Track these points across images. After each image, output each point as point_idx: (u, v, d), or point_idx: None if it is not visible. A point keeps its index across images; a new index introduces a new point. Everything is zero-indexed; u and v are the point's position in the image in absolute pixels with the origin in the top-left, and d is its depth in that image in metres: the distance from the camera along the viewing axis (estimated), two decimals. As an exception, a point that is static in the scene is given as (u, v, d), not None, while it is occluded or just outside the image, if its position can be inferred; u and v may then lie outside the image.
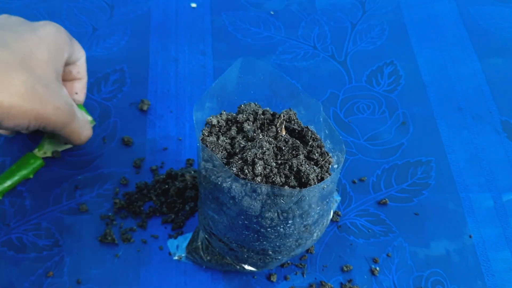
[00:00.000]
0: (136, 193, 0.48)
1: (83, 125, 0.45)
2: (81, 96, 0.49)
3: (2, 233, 0.46)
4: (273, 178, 0.32)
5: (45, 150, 0.49)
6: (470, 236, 0.46)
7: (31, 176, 0.48)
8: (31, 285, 0.43)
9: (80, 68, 0.48)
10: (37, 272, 0.43)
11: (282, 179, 0.32)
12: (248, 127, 0.35)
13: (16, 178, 0.47)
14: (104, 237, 0.45)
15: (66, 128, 0.43)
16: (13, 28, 0.40)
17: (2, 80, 0.36)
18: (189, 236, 0.45)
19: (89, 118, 0.49)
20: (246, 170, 0.31)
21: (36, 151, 0.49)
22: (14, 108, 0.37)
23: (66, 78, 0.47)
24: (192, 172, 0.49)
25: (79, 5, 0.62)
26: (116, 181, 0.49)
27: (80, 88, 0.49)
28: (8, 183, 0.47)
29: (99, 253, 0.45)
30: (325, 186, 0.32)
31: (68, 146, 0.50)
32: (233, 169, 0.32)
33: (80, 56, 0.47)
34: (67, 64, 0.46)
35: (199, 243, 0.42)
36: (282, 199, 0.31)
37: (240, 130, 0.35)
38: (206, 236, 0.40)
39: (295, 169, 0.32)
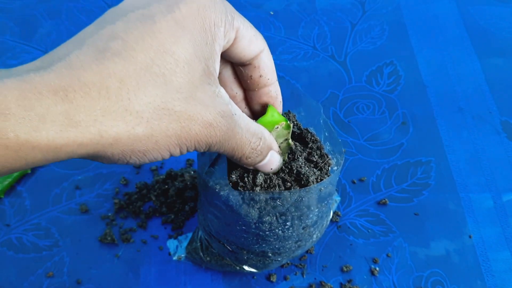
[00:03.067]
0: (136, 193, 0.48)
1: (248, 140, 0.29)
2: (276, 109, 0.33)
3: (2, 233, 0.46)
4: (272, 188, 0.32)
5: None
6: (470, 236, 0.46)
7: (29, 171, 0.48)
8: (31, 285, 0.43)
9: (262, 68, 0.31)
10: (37, 272, 0.43)
11: (279, 182, 0.32)
12: None
13: (15, 174, 0.48)
14: (104, 237, 0.45)
15: (225, 147, 0.29)
16: (140, 12, 0.26)
17: (113, 110, 0.24)
18: (189, 236, 0.45)
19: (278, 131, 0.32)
20: (246, 179, 0.31)
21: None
22: (139, 142, 0.25)
23: (244, 85, 0.33)
24: (192, 172, 0.49)
25: (79, 5, 0.62)
26: (116, 181, 0.49)
27: (269, 99, 0.33)
28: (8, 181, 0.47)
29: (99, 253, 0.45)
30: (323, 188, 0.32)
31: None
32: (233, 176, 0.31)
33: (257, 47, 0.30)
34: (235, 62, 0.31)
35: (199, 243, 0.42)
36: (279, 202, 0.31)
37: None
38: (206, 236, 0.40)
39: (295, 171, 0.32)
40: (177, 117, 0.26)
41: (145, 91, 0.25)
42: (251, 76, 0.31)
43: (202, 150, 0.28)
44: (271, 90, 0.32)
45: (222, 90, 0.28)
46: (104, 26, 0.25)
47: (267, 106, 0.31)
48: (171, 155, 0.28)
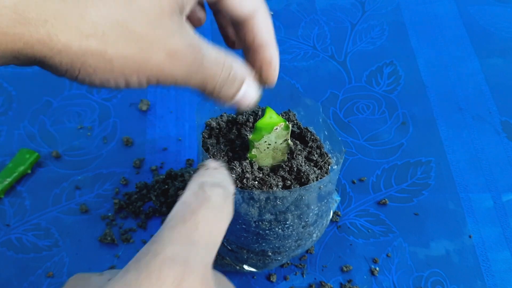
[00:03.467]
0: (136, 193, 0.48)
1: (219, 70, 0.27)
2: (268, 78, 0.31)
3: (2, 233, 0.46)
4: (272, 187, 0.32)
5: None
6: (470, 236, 0.46)
7: (29, 171, 0.48)
8: (31, 285, 0.43)
9: (256, 31, 0.29)
10: (37, 272, 0.43)
11: (279, 180, 0.32)
12: (246, 132, 0.34)
13: (15, 174, 0.48)
14: (104, 237, 0.45)
15: (192, 80, 0.27)
16: None
17: (67, 14, 0.22)
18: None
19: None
20: (244, 180, 0.31)
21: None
22: (91, 55, 0.23)
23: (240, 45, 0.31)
24: (192, 172, 0.49)
25: None
26: (116, 181, 0.49)
27: (262, 64, 0.30)
28: (7, 180, 0.47)
29: (99, 253, 0.45)
30: (322, 186, 0.32)
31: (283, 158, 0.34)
32: (233, 175, 0.32)
33: (250, 5, 0.29)
34: (228, 18, 0.29)
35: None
36: (279, 201, 0.31)
37: (239, 135, 0.35)
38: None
39: (295, 169, 0.32)
40: (137, 38, 0.24)
41: (105, 4, 0.23)
42: (244, 38, 0.29)
43: (167, 84, 0.26)
44: (266, 55, 0.30)
45: (189, 26, 0.26)
46: None
47: (265, 109, 0.31)
48: (128, 85, 0.25)
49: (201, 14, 0.31)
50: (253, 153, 0.32)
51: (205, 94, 0.28)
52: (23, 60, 0.23)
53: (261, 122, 0.30)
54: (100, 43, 0.23)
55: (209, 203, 0.25)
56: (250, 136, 0.31)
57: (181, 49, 0.25)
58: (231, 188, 0.26)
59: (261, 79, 0.30)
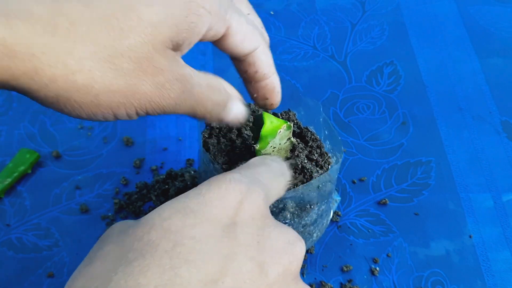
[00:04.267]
0: (136, 193, 0.48)
1: (209, 96, 0.28)
2: (273, 104, 0.33)
3: (2, 233, 0.46)
4: None
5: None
6: (470, 236, 0.46)
7: (29, 171, 0.48)
8: (31, 285, 0.43)
9: (258, 65, 0.31)
10: (37, 272, 0.43)
11: None
12: (246, 132, 0.35)
13: (15, 174, 0.48)
14: (104, 237, 0.45)
15: (181, 109, 0.28)
16: None
17: (55, 49, 0.22)
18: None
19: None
20: None
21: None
22: (77, 91, 0.23)
23: (241, 77, 0.33)
24: (192, 172, 0.49)
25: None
26: (116, 181, 0.49)
27: (265, 92, 0.32)
28: (8, 180, 0.47)
29: (99, 253, 0.45)
30: (320, 185, 0.32)
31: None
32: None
33: (251, 45, 0.30)
34: (229, 55, 0.31)
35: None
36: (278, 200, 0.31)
37: (240, 134, 0.35)
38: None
39: (300, 166, 0.32)
40: (123, 73, 0.24)
41: (93, 40, 0.23)
42: (246, 71, 0.31)
43: (156, 113, 0.27)
44: (268, 84, 0.32)
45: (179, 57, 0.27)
46: None
47: (262, 113, 0.31)
48: (116, 117, 0.26)
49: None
50: None
51: (197, 117, 0.29)
52: (9, 89, 0.23)
53: (265, 130, 0.30)
54: (86, 78, 0.23)
55: (270, 166, 0.28)
56: (257, 147, 0.31)
57: (169, 82, 0.26)
58: (287, 170, 0.29)
59: (265, 103, 0.32)
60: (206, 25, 0.26)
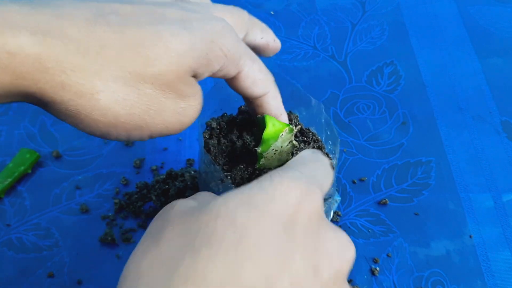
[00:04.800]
0: (136, 193, 0.48)
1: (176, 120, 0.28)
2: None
3: (2, 233, 0.46)
4: None
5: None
6: (470, 236, 0.46)
7: (29, 171, 0.48)
8: (31, 285, 0.43)
9: (265, 108, 0.32)
10: (37, 272, 0.43)
11: None
12: (247, 135, 0.34)
13: (15, 174, 0.48)
14: (104, 237, 0.45)
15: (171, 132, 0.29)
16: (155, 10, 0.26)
17: (84, 68, 0.24)
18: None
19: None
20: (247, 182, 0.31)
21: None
22: (97, 110, 0.25)
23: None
24: (192, 172, 0.49)
25: None
26: (116, 181, 0.49)
27: None
28: (8, 180, 0.47)
29: (99, 253, 0.45)
30: None
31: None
32: (237, 178, 0.31)
33: (260, 90, 0.31)
34: (245, 98, 0.32)
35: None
36: None
37: (240, 136, 0.35)
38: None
39: None
40: (147, 99, 0.25)
41: (121, 65, 0.24)
42: (256, 110, 0.32)
43: (168, 134, 0.28)
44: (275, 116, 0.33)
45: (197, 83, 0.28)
46: (112, 2, 0.26)
47: (264, 116, 0.31)
48: (128, 138, 0.27)
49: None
50: (261, 163, 0.32)
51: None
52: (31, 101, 0.25)
53: (267, 134, 0.30)
54: (109, 99, 0.24)
55: (323, 162, 0.28)
56: (259, 150, 0.31)
57: (190, 108, 0.27)
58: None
59: None
60: (219, 66, 0.27)
